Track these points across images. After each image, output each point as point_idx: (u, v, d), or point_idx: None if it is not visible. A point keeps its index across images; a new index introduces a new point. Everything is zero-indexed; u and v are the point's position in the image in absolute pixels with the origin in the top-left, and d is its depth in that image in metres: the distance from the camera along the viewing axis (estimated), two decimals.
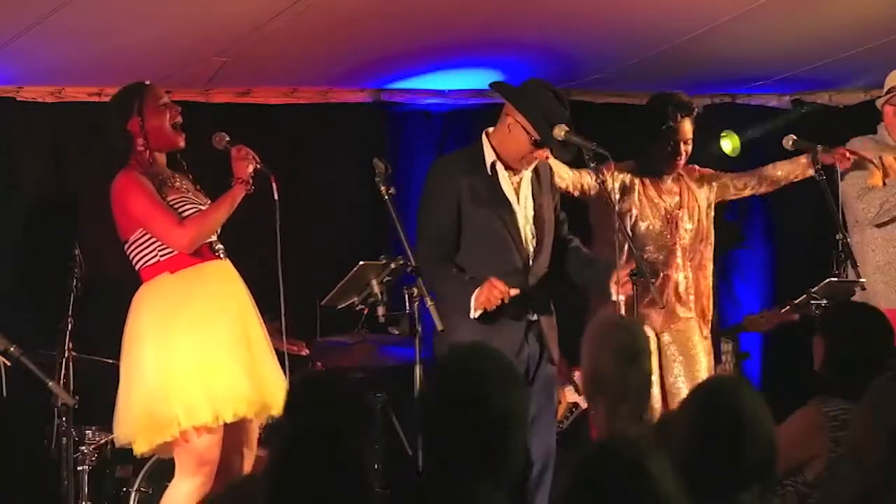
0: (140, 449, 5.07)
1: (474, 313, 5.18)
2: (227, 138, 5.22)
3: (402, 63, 6.96)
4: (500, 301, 5.19)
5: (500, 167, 5.38)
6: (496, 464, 3.04)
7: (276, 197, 5.09)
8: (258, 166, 5.15)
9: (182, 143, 5.25)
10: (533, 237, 5.43)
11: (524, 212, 5.42)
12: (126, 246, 5.18)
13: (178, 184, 5.21)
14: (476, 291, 5.19)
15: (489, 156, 5.39)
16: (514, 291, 5.22)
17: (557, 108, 5.32)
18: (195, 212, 5.15)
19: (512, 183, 5.41)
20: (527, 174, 5.45)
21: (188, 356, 5.00)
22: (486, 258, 5.34)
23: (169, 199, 5.13)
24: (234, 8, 5.79)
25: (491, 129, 5.46)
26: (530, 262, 5.41)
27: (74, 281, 6.08)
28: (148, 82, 5.30)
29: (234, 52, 6.35)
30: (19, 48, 6.09)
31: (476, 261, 5.33)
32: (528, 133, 5.30)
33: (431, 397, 3.16)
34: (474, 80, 7.36)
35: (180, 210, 5.12)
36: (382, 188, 5.17)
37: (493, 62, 6.94)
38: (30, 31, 5.83)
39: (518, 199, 5.42)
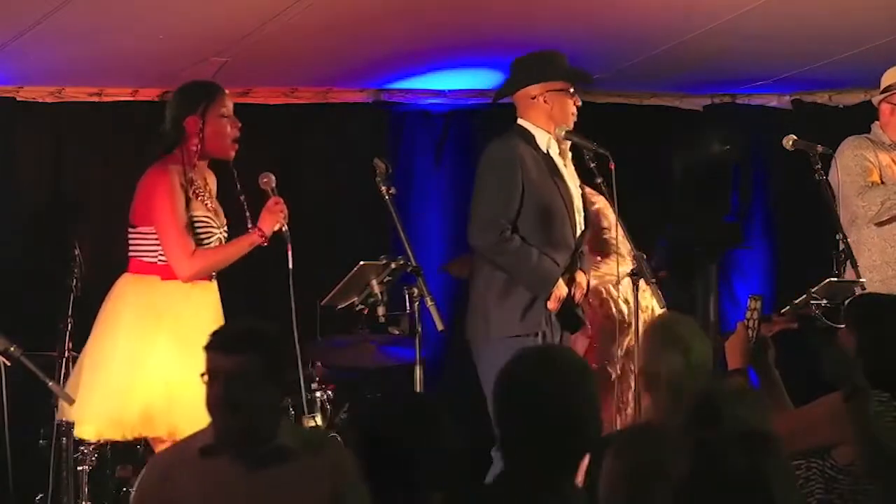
0: (85, 435, 5.06)
1: (547, 300, 5.42)
2: (274, 184, 5.19)
3: (402, 63, 6.96)
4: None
5: (553, 146, 5.58)
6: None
7: (290, 265, 5.05)
8: (283, 228, 5.13)
9: (232, 156, 5.22)
10: (581, 214, 5.63)
11: (573, 189, 5.62)
12: (132, 230, 5.17)
13: (206, 198, 5.19)
14: (555, 290, 5.43)
15: (542, 136, 5.58)
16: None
17: (551, 58, 5.60)
18: (208, 236, 5.14)
19: (561, 162, 5.61)
20: (568, 155, 5.65)
21: (159, 366, 4.96)
22: (543, 229, 5.49)
23: (195, 214, 5.11)
24: (234, 8, 5.79)
25: (520, 120, 5.62)
26: (577, 239, 5.59)
27: (74, 281, 6.08)
28: (221, 87, 5.29)
29: (234, 52, 6.35)
30: (19, 48, 6.09)
31: (533, 232, 5.45)
32: (558, 90, 5.55)
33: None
34: (474, 80, 7.36)
35: (199, 234, 5.12)
36: (382, 188, 5.18)
37: (492, 62, 6.95)
38: (30, 31, 5.83)
39: (567, 175, 5.61)
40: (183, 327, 5.03)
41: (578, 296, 5.60)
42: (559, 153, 5.62)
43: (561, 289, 5.47)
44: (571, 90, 5.60)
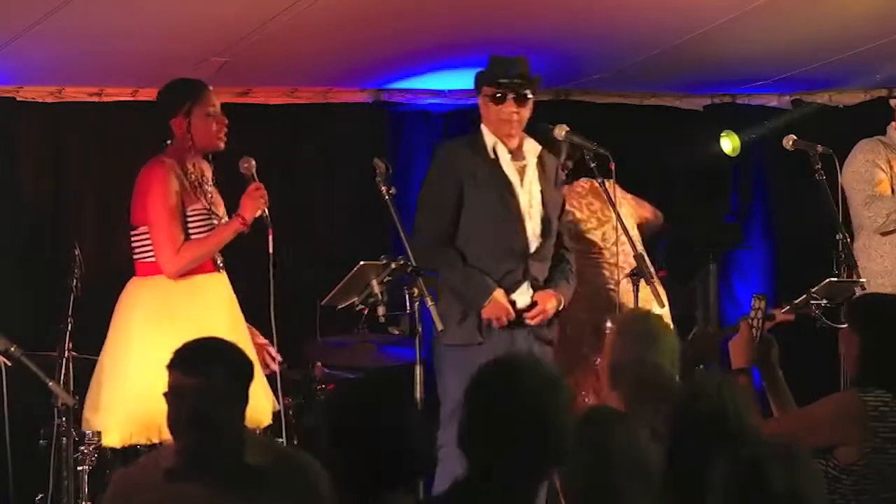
0: (110, 442, 5.07)
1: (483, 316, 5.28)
2: (254, 170, 5.20)
3: (402, 63, 6.96)
4: (505, 322, 5.36)
5: (501, 150, 5.53)
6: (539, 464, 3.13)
7: (270, 251, 5.06)
8: (264, 213, 5.13)
9: (222, 146, 5.24)
10: (538, 222, 5.50)
11: (528, 196, 5.49)
12: (133, 231, 5.18)
13: (206, 187, 5.20)
14: (487, 306, 5.32)
15: (489, 139, 5.54)
16: (521, 301, 5.40)
17: (496, 63, 5.60)
18: (210, 227, 5.15)
19: (515, 168, 5.53)
20: (531, 161, 5.58)
21: None
22: (486, 239, 5.43)
23: (190, 208, 5.11)
24: (234, 8, 5.79)
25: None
26: (533, 245, 5.50)
27: (74, 281, 6.07)
28: (205, 83, 5.30)
29: (234, 52, 6.35)
30: (19, 48, 6.09)
31: (475, 241, 5.41)
32: (486, 96, 5.54)
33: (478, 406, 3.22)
34: (474, 79, 7.35)
35: (191, 229, 5.13)
36: (382, 188, 5.19)
37: None
38: (30, 31, 5.83)
39: (522, 183, 5.48)
40: (196, 327, 5.03)
41: (537, 319, 5.47)
42: (512, 157, 5.54)
43: (496, 306, 5.36)
44: (497, 95, 5.53)
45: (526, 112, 5.56)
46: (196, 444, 3.69)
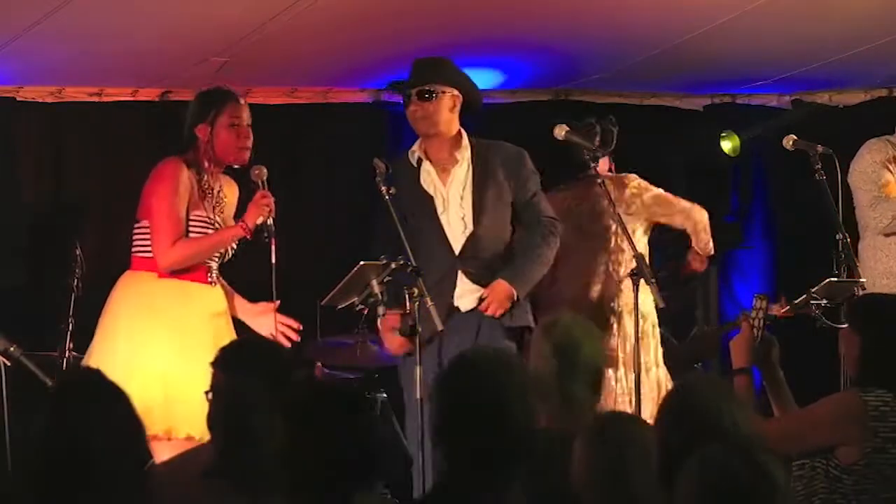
0: None
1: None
2: (265, 177, 5.17)
3: (402, 63, 6.95)
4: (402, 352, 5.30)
5: (423, 157, 5.52)
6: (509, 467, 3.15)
7: (272, 260, 5.04)
8: (268, 221, 5.11)
9: (245, 160, 5.22)
10: (459, 221, 5.48)
11: (444, 201, 5.48)
12: (136, 225, 5.19)
13: (217, 203, 5.19)
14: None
15: (413, 147, 5.55)
16: (464, 304, 5.36)
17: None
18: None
19: (438, 171, 5.51)
20: (464, 162, 5.54)
21: (156, 365, 4.98)
22: (415, 248, 5.31)
23: (193, 213, 5.11)
24: (234, 8, 5.79)
25: None
26: (457, 247, 5.46)
27: (74, 281, 6.08)
28: (236, 94, 5.30)
29: (234, 52, 6.35)
30: (19, 48, 6.09)
31: (412, 251, 5.33)
32: (404, 105, 5.53)
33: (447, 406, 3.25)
34: (474, 80, 7.34)
35: (190, 234, 5.12)
36: (382, 188, 5.19)
37: (493, 62, 6.95)
38: (30, 31, 5.83)
39: (446, 185, 5.49)
40: (181, 327, 5.03)
41: (493, 310, 5.40)
42: (438, 161, 5.52)
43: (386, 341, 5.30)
44: (405, 99, 5.54)
45: (433, 107, 5.50)
46: (228, 445, 3.66)
